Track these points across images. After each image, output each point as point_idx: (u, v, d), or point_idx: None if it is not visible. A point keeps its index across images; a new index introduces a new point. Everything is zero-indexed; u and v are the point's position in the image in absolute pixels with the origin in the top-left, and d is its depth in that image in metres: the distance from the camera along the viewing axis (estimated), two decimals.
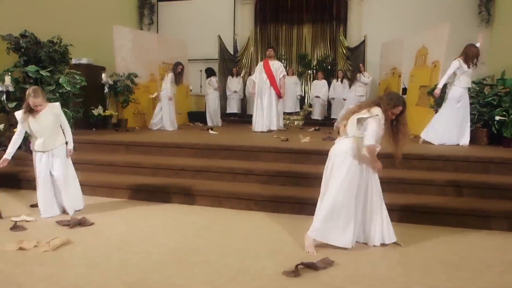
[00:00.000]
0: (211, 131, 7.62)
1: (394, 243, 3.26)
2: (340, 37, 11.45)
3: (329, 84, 10.76)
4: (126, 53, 8.66)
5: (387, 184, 4.13)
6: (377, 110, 3.02)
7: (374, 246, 3.18)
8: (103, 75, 8.08)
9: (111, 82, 8.16)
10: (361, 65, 9.99)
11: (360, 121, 3.08)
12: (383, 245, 3.20)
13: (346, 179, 3.06)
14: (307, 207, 3.83)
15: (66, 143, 4.02)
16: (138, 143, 5.69)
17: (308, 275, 2.67)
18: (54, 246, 3.06)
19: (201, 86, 11.11)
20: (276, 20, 12.30)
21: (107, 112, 7.97)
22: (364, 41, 10.64)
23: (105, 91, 8.17)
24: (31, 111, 3.76)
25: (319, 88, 10.81)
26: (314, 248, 3.08)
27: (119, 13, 11.26)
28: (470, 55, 5.76)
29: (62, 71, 6.49)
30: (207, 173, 4.76)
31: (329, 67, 11.78)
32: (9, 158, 3.84)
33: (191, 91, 10.83)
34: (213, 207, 4.28)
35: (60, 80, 6.08)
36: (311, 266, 2.74)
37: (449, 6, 10.09)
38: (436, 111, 6.44)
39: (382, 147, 3.15)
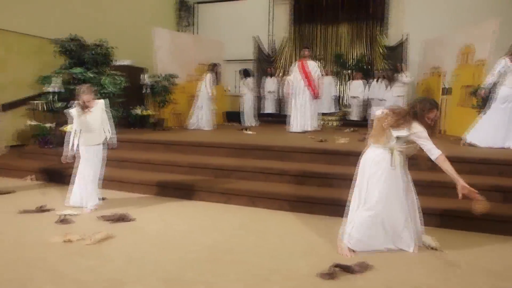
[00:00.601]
0: (246, 131, 7.68)
1: (433, 248, 3.15)
2: (378, 36, 11.18)
3: (367, 84, 10.53)
4: (164, 54, 8.89)
5: (427, 188, 4.01)
6: (416, 126, 2.97)
7: (412, 251, 3.09)
8: (143, 76, 8.35)
9: (150, 83, 8.41)
10: (398, 64, 9.71)
11: (400, 138, 3.03)
12: (420, 249, 3.10)
13: (384, 189, 3.03)
14: (341, 209, 3.76)
15: (105, 139, 4.23)
16: (175, 142, 5.83)
17: (343, 278, 2.63)
18: (96, 240, 3.21)
19: (235, 87, 11.22)
20: (312, 20, 12.18)
21: (146, 112, 8.22)
22: (403, 39, 10.32)
23: (144, 92, 8.43)
24: (83, 107, 3.99)
25: (355, 88, 10.62)
26: (349, 251, 3.03)
27: (159, 15, 11.59)
28: None
29: (105, 72, 6.76)
30: (242, 173, 4.80)
31: (365, 67, 11.53)
32: (73, 153, 4.07)
33: (229, 90, 10.96)
34: (247, 207, 4.31)
35: (103, 81, 6.34)
36: (347, 269, 2.70)
37: (496, 2, 9.59)
38: (479, 112, 6.15)
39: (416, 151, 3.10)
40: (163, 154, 5.66)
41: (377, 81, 10.16)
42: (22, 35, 7.43)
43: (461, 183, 2.95)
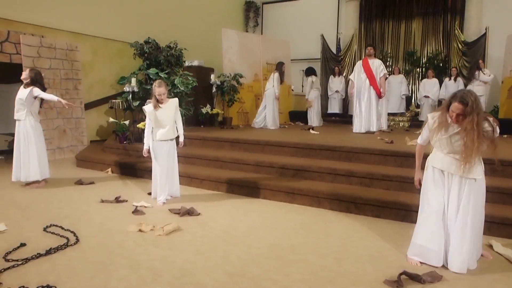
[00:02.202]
0: (312, 131, 7.62)
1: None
2: (456, 30, 10.44)
3: (441, 83, 9.86)
4: (232, 54, 9.13)
5: (510, 196, 3.69)
6: (432, 114, 2.85)
7: (455, 272, 2.72)
8: (212, 76, 8.65)
9: (218, 83, 8.69)
10: (480, 61, 8.95)
11: None
12: (500, 263, 2.85)
13: (423, 190, 2.92)
14: (411, 214, 3.60)
15: (177, 137, 4.47)
16: (242, 140, 5.96)
17: (411, 287, 2.51)
18: (167, 231, 3.40)
19: (302, 86, 11.17)
20: (382, 16, 11.73)
21: (214, 111, 8.52)
22: (485, 34, 9.53)
23: (213, 91, 8.74)
24: (157, 102, 4.24)
25: (429, 87, 9.98)
26: (418, 261, 2.87)
27: (227, 17, 11.93)
28: None
29: (177, 72, 7.13)
30: (308, 173, 4.78)
31: (440, 64, 10.82)
32: (148, 147, 4.35)
33: (293, 90, 10.96)
34: (312, 207, 4.28)
35: (175, 81, 6.69)
36: (416, 278, 2.57)
37: None
38: None
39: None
40: (230, 152, 5.82)
41: (454, 79, 9.47)
42: (106, 39, 8.12)
43: (416, 174, 3.07)
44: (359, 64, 7.66)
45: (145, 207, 4.20)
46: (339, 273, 2.70)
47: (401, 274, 2.58)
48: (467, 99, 2.56)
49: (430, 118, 2.85)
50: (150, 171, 4.59)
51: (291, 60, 10.75)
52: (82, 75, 7.54)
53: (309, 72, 9.79)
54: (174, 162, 4.51)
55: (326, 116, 10.62)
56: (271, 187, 4.58)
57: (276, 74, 8.32)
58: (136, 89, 6.93)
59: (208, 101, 8.56)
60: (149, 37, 7.33)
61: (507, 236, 3.40)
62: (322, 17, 11.79)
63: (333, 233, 3.52)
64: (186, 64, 8.13)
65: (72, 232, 3.37)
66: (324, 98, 10.75)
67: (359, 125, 7.47)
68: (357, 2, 11.64)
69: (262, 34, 12.50)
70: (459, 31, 10.36)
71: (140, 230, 3.45)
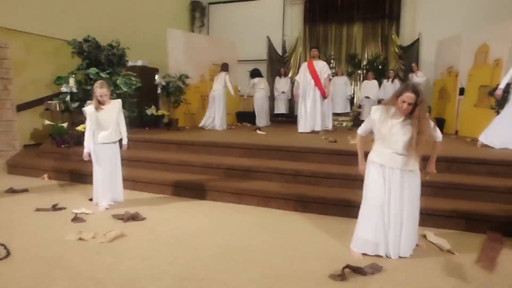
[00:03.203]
0: (259, 131, 7.68)
1: (448, 251, 3.11)
2: (393, 35, 11.08)
3: (380, 84, 10.42)
4: (178, 55, 8.97)
5: (441, 189, 3.96)
6: (377, 106, 2.98)
7: (400, 257, 2.97)
8: (157, 77, 8.44)
9: (163, 83, 8.49)
10: (414, 64, 9.59)
11: None
12: (433, 251, 3.07)
13: (366, 185, 3.02)
14: (355, 209, 3.74)
15: (120, 140, 4.31)
16: (188, 142, 5.87)
17: (355, 280, 2.62)
18: (110, 238, 3.25)
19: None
20: (325, 20, 12.14)
21: (160, 112, 8.31)
22: (418, 39, 10.20)
23: (158, 92, 8.52)
24: (99, 103, 4.05)
25: (369, 88, 10.51)
26: (361, 253, 3.01)
27: (172, 16, 11.71)
28: None
29: (120, 73, 6.85)
30: (255, 173, 4.81)
31: (380, 67, 11.43)
32: (89, 151, 4.13)
33: (240, 91, 10.98)
34: (260, 207, 4.31)
35: (118, 82, 6.43)
36: (358, 271, 2.68)
37: None
38: (498, 113, 6.03)
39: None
40: (176, 154, 5.71)
41: (392, 81, 10.05)
42: (41, 36, 7.60)
43: (360, 164, 3.13)
44: (304, 65, 7.86)
45: (86, 214, 3.98)
46: (286, 271, 2.75)
47: (344, 267, 2.68)
48: (418, 90, 2.78)
49: (374, 111, 2.96)
50: (91, 175, 4.37)
51: (238, 61, 10.78)
52: (13, 74, 7.00)
53: (253, 74, 9.90)
54: (117, 166, 4.34)
55: (273, 117, 10.78)
56: (218, 188, 4.56)
57: (227, 75, 8.32)
58: (75, 90, 6.56)
59: (153, 102, 8.33)
60: (88, 35, 6.97)
61: (439, 226, 3.66)
62: (268, 19, 11.95)
63: (281, 232, 3.57)
64: (129, 64, 7.84)
65: (1, 245, 3.10)
66: (271, 99, 10.90)
67: (304, 125, 7.66)
68: (301, 5, 11.95)
69: (208, 34, 12.42)
70: (396, 36, 11.01)
71: (80, 239, 3.26)
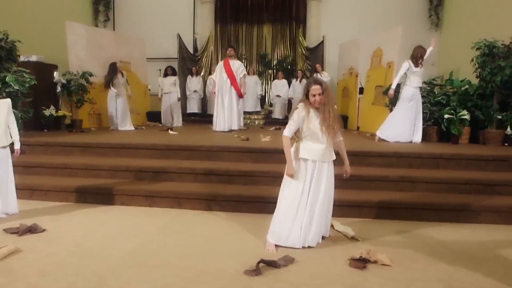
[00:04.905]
0: (170, 131, 7.49)
1: (353, 237, 3.36)
2: (300, 37, 11.64)
3: (289, 83, 10.90)
4: (80, 50, 8.30)
5: (345, 181, 4.25)
6: (300, 104, 3.10)
7: (309, 246, 3.13)
8: (55, 74, 7.71)
9: (64, 81, 7.79)
10: (317, 65, 10.21)
11: None
12: (341, 240, 3.29)
13: (285, 180, 3.13)
14: (268, 205, 3.84)
15: (12, 144, 3.84)
16: (94, 144, 5.47)
17: (269, 273, 2.68)
18: (2, 255, 2.88)
19: (159, 86, 10.85)
20: (236, 20, 12.30)
21: (60, 113, 7.61)
22: (322, 41, 10.87)
23: (57, 91, 7.80)
24: None
25: (279, 87, 10.93)
26: (275, 247, 3.10)
27: (72, 8, 10.82)
28: (415, 56, 6.10)
29: (9, 69, 6.12)
30: (167, 174, 4.67)
31: (289, 67, 11.93)
32: None
33: (149, 90, 10.59)
34: (173, 209, 4.20)
35: (7, 79, 5.73)
36: (272, 264, 2.76)
37: (402, 9, 10.55)
38: (391, 110, 6.70)
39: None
40: (81, 157, 5.28)
41: (300, 81, 10.55)
42: None
43: (289, 167, 3.07)
44: (220, 64, 7.88)
45: None
46: (202, 271, 2.71)
47: (259, 262, 2.73)
48: (320, 80, 3.01)
49: (300, 109, 3.04)
50: None
51: (147, 58, 10.37)
52: None
53: (166, 72, 9.67)
54: (8, 173, 3.83)
55: (186, 116, 10.59)
56: (128, 192, 4.32)
57: (120, 74, 7.96)
58: None
59: (52, 102, 7.59)
60: None
61: (346, 215, 3.93)
62: (178, 16, 11.69)
63: (195, 232, 3.51)
64: (22, 59, 7.04)
65: None
66: (183, 98, 10.69)
67: (221, 124, 7.67)
68: (212, 4, 11.92)
69: (114, 30, 11.73)
70: (303, 38, 11.59)
71: None
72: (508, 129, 6.11)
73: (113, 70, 8.07)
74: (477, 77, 6.55)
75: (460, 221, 3.89)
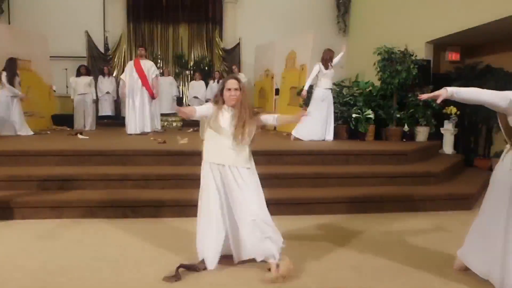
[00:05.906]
0: (80, 136, 6.97)
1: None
2: (216, 38, 11.64)
3: (206, 84, 10.83)
4: None
5: (262, 180, 4.33)
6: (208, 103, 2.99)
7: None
8: None
9: None
10: (234, 66, 10.32)
11: None
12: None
13: (202, 190, 2.86)
14: (190, 208, 3.76)
15: None
16: None
17: (190, 277, 2.63)
18: None
19: (67, 87, 10.05)
20: (150, 19, 11.87)
21: None
22: (239, 43, 11.00)
23: None
24: None
25: (197, 88, 10.81)
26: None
27: None
28: (324, 58, 6.51)
29: None
30: (77, 182, 4.32)
31: (206, 68, 11.87)
32: None
33: (54, 91, 9.71)
34: (85, 219, 3.89)
35: None
36: (191, 268, 2.71)
37: (314, 15, 11.11)
38: (305, 110, 7.03)
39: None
40: None
41: (217, 82, 10.54)
42: None
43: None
44: (130, 64, 7.55)
45: None
46: (118, 282, 2.57)
47: (178, 267, 2.65)
48: (238, 77, 2.91)
49: (209, 105, 2.85)
50: None
51: (51, 57, 9.51)
52: None
53: (78, 72, 9.03)
54: None
55: (99, 119, 9.93)
56: (31, 204, 3.91)
57: (4, 73, 7.14)
58: None
59: None
60: None
61: (281, 213, 3.92)
62: (86, 12, 10.87)
63: (110, 242, 3.31)
64: None
65: None
66: (95, 100, 10.01)
67: (133, 126, 7.34)
68: (123, 1, 11.34)
69: (9, 24, 10.53)
70: (219, 39, 11.61)
71: None
72: (406, 126, 6.81)
73: (13, 67, 7.22)
74: (379, 79, 7.17)
75: (367, 211, 4.22)
